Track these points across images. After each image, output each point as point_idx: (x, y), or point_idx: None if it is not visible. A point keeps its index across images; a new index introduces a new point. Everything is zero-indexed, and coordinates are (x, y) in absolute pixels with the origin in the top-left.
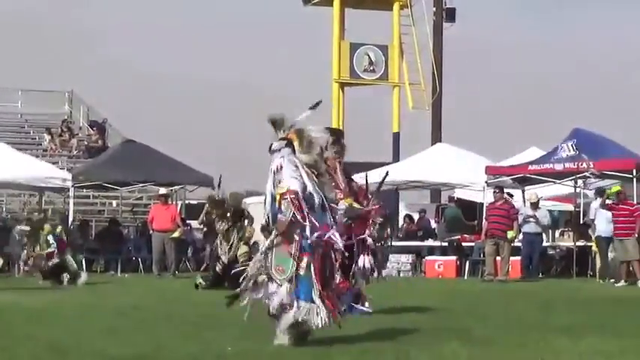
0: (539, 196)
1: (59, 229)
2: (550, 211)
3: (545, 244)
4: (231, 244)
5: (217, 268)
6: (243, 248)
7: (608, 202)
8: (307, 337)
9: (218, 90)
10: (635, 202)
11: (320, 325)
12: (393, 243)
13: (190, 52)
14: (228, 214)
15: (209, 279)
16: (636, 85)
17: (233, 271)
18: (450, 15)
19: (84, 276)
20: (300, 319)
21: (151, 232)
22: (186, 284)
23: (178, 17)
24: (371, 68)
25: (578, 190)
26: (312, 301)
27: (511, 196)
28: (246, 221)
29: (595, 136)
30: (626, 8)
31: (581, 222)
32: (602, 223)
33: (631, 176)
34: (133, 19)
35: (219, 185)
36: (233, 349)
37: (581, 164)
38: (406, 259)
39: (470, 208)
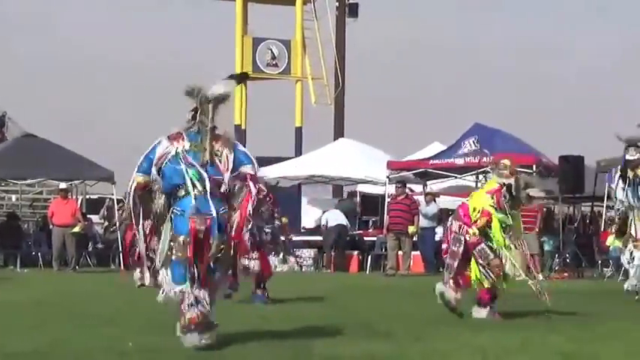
0: (432, 190)
1: None
2: None
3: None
4: None
5: None
6: None
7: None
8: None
9: (119, 78)
10: None
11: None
12: (295, 238)
13: (95, 40)
14: None
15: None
16: (538, 82)
17: None
18: (353, 10)
19: None
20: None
21: (51, 226)
22: (88, 279)
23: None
24: (274, 63)
25: (479, 185)
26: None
27: (412, 191)
28: None
29: (495, 131)
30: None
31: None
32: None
33: (531, 172)
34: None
35: None
36: (134, 345)
37: (482, 158)
38: (308, 253)
39: (372, 203)
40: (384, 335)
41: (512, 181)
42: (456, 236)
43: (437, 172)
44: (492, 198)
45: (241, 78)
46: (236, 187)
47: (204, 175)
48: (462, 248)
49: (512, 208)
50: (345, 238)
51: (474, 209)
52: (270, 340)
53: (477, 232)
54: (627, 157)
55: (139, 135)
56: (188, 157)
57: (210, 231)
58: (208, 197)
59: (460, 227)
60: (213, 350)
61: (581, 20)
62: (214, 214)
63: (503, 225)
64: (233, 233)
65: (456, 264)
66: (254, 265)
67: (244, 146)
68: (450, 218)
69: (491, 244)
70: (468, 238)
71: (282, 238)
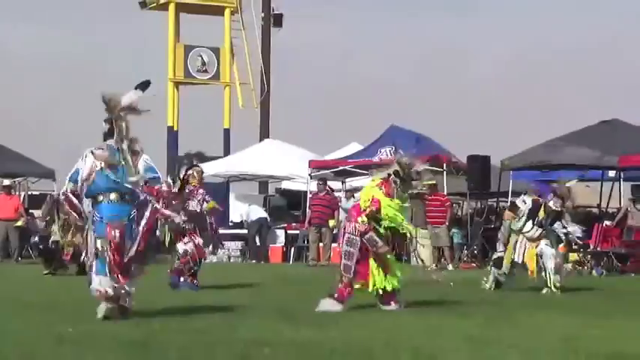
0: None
1: None
2: None
3: None
4: None
5: None
6: None
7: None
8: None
9: (57, 81)
10: (445, 193)
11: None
12: (223, 231)
13: (31, 42)
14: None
15: None
16: (450, 85)
17: None
18: (278, 20)
19: None
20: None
21: None
22: (31, 270)
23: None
24: (204, 69)
25: None
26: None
27: (332, 190)
28: None
29: (410, 133)
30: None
31: None
32: None
33: (442, 170)
34: None
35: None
36: (74, 331)
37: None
38: (235, 245)
39: (295, 199)
40: (305, 322)
41: (395, 166)
42: (350, 237)
43: (354, 171)
44: (381, 189)
45: (144, 85)
46: (144, 195)
47: (121, 185)
48: (357, 249)
49: (404, 191)
50: (266, 230)
51: (365, 201)
52: (194, 327)
53: (365, 220)
54: (550, 204)
55: (77, 135)
56: (109, 170)
57: (125, 233)
58: (121, 204)
59: (354, 228)
60: (138, 337)
61: (491, 23)
62: (127, 219)
63: (399, 211)
64: (140, 235)
65: (353, 265)
66: (190, 247)
67: (177, 146)
68: (344, 219)
69: (380, 233)
70: (357, 226)
71: (210, 221)
